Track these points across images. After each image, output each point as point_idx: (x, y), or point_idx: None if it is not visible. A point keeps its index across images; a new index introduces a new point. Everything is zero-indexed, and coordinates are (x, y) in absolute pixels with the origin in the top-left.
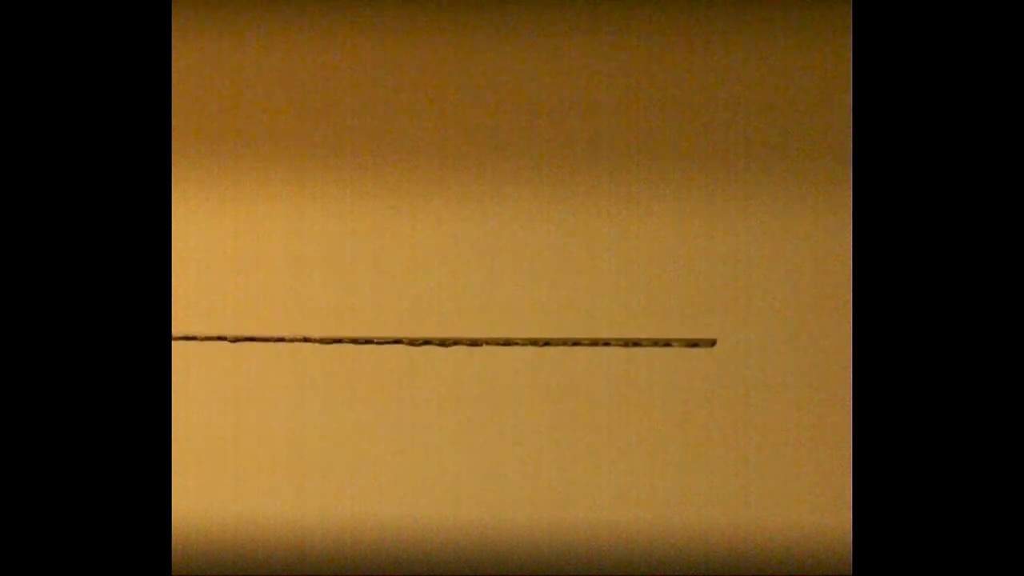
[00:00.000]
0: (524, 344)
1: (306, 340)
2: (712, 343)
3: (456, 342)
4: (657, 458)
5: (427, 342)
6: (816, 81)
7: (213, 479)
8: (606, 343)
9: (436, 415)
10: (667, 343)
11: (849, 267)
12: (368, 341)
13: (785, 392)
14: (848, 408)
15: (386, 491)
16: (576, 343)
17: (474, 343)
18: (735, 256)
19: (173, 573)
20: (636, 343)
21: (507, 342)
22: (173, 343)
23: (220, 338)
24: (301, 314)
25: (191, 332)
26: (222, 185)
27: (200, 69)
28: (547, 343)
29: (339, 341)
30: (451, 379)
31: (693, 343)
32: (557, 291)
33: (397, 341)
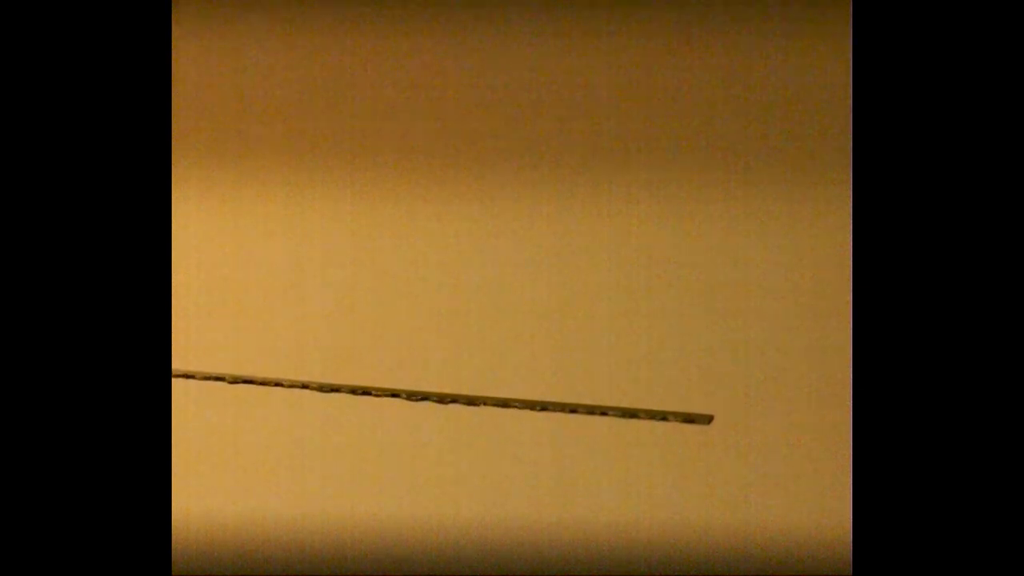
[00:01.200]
0: (521, 407)
1: (304, 387)
2: (709, 419)
3: (454, 399)
4: (657, 458)
5: (425, 397)
6: (816, 81)
7: (213, 479)
8: (603, 412)
9: (430, 471)
10: (663, 416)
11: (849, 267)
12: (366, 392)
13: (785, 392)
14: (848, 408)
15: (383, 510)
16: (573, 410)
17: (472, 402)
18: (735, 255)
19: (173, 573)
20: (633, 414)
21: (505, 403)
22: (172, 380)
23: (218, 378)
24: (301, 355)
25: (190, 370)
26: (222, 186)
27: (200, 69)
28: (544, 407)
29: (337, 390)
30: (447, 436)
31: (690, 419)
32: (557, 354)
33: (395, 394)
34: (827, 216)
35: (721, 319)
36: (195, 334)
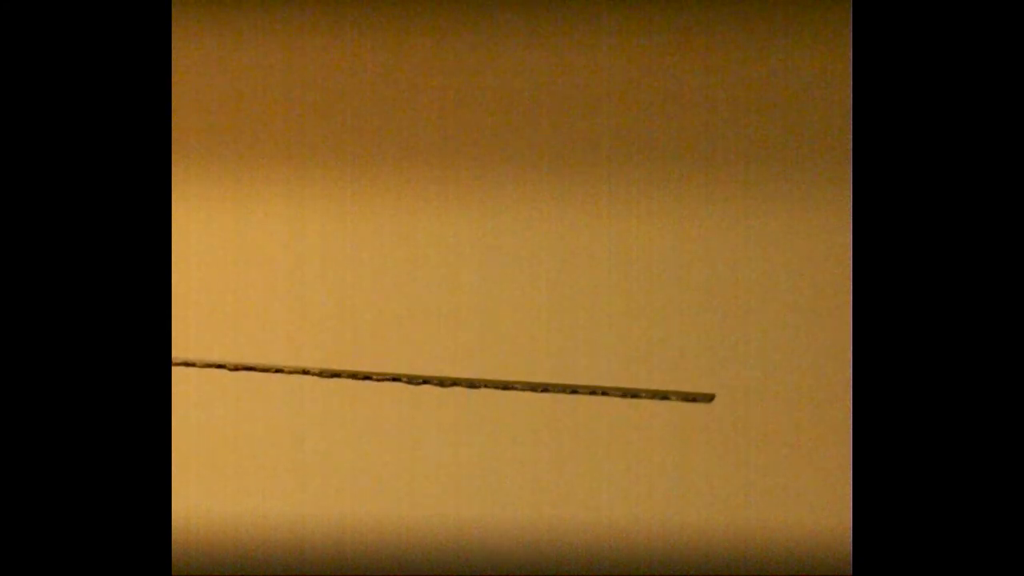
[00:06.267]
0: (522, 388)
1: (305, 372)
2: (710, 398)
3: (455, 383)
4: (657, 458)
5: (426, 381)
6: (816, 81)
7: (213, 479)
8: (604, 392)
9: (432, 454)
10: (665, 396)
11: (849, 267)
12: (367, 377)
13: (785, 392)
14: (848, 408)
15: (386, 494)
16: (575, 390)
17: (472, 385)
18: (734, 255)
19: (173, 573)
20: (635, 394)
21: (506, 386)
22: (172, 368)
23: (219, 366)
24: (301, 342)
25: (190, 358)
26: (222, 185)
27: (200, 69)
28: (546, 388)
29: (337, 375)
30: (448, 419)
31: (691, 397)
32: (557, 336)
33: (396, 378)
34: (827, 216)
35: (720, 319)
36: (195, 324)
